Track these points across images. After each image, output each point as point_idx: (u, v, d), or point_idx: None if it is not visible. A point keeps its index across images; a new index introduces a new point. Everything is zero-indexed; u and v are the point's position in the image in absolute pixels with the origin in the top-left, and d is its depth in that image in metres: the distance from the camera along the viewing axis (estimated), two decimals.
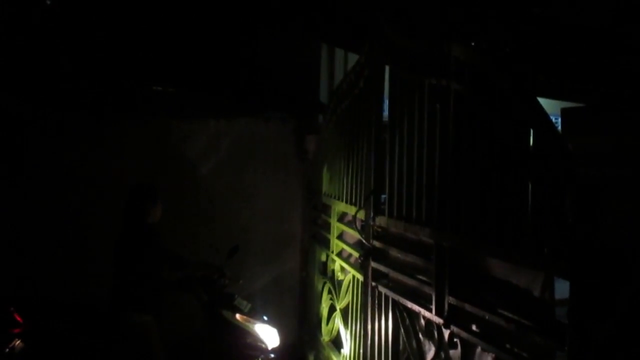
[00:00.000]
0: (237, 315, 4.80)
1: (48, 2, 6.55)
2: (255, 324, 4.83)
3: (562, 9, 5.13)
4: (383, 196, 4.39)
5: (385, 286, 4.27)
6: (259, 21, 6.87)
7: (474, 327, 3.19)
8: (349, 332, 5.07)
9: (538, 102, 2.67)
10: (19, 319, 4.64)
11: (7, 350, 4.56)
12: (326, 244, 5.85)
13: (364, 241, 4.59)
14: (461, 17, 5.20)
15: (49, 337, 4.72)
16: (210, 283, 4.74)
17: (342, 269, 5.42)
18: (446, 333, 3.39)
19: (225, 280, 4.85)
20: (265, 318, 4.96)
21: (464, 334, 3.21)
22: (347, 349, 5.13)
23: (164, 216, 4.88)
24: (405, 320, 4.00)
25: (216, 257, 5.10)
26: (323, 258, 6.09)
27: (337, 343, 5.58)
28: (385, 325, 4.26)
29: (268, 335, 4.88)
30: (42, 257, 5.88)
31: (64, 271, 5.90)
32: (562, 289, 2.59)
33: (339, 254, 5.49)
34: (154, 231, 4.77)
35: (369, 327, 4.49)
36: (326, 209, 5.98)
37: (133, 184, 4.82)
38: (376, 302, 4.40)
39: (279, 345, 4.95)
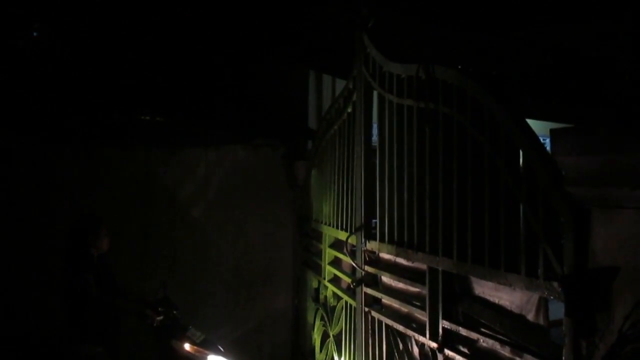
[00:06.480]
0: (187, 346, 4.74)
1: (35, 34, 6.55)
2: (207, 355, 4.76)
3: (546, 33, 5.19)
4: (374, 220, 4.38)
5: (378, 311, 4.25)
6: (246, 49, 6.90)
7: (468, 351, 3.17)
8: (342, 359, 5.02)
9: (527, 123, 2.68)
10: None
11: None
12: (318, 271, 5.82)
13: (355, 267, 4.57)
14: (447, 41, 5.25)
15: None
16: (157, 313, 4.66)
17: (335, 295, 5.39)
18: (440, 357, 3.37)
19: (173, 312, 4.78)
20: (220, 349, 4.89)
21: (459, 358, 3.19)
22: None
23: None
24: (399, 345, 3.97)
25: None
26: (315, 285, 6.05)
27: None
28: (379, 351, 4.23)
29: None
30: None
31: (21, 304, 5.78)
32: (556, 310, 2.59)
33: (331, 280, 5.46)
34: (103, 262, 4.74)
35: (363, 353, 4.45)
36: (317, 235, 5.95)
37: (76, 215, 4.80)
38: (370, 327, 4.37)
39: None
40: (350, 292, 4.80)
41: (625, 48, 5.05)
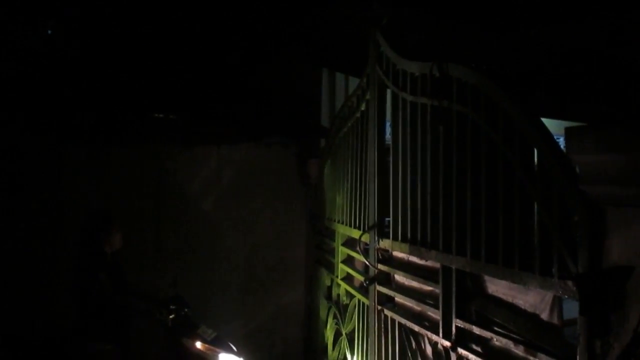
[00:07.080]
0: (199, 344, 4.74)
1: (49, 32, 6.59)
2: (219, 353, 4.77)
3: (559, 30, 5.17)
4: (387, 219, 4.38)
5: (391, 310, 4.25)
6: (259, 48, 6.91)
7: (481, 350, 3.16)
8: (355, 357, 5.02)
9: (541, 121, 2.67)
10: None
11: None
12: (331, 269, 5.82)
13: (369, 265, 4.57)
14: (461, 39, 5.23)
15: None
16: (169, 311, 4.66)
17: (348, 293, 5.39)
18: (454, 356, 3.36)
19: (184, 310, 4.79)
20: (232, 347, 4.90)
21: (472, 357, 3.18)
22: None
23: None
24: (412, 343, 3.97)
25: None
26: (328, 283, 6.05)
27: None
28: (392, 350, 4.23)
29: None
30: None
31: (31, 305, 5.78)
32: (570, 308, 2.58)
33: (344, 279, 5.46)
34: (115, 260, 4.75)
35: (376, 351, 4.45)
36: (330, 233, 5.95)
37: (88, 212, 4.81)
38: (382, 326, 4.37)
39: None
40: (363, 290, 4.80)
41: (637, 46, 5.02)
